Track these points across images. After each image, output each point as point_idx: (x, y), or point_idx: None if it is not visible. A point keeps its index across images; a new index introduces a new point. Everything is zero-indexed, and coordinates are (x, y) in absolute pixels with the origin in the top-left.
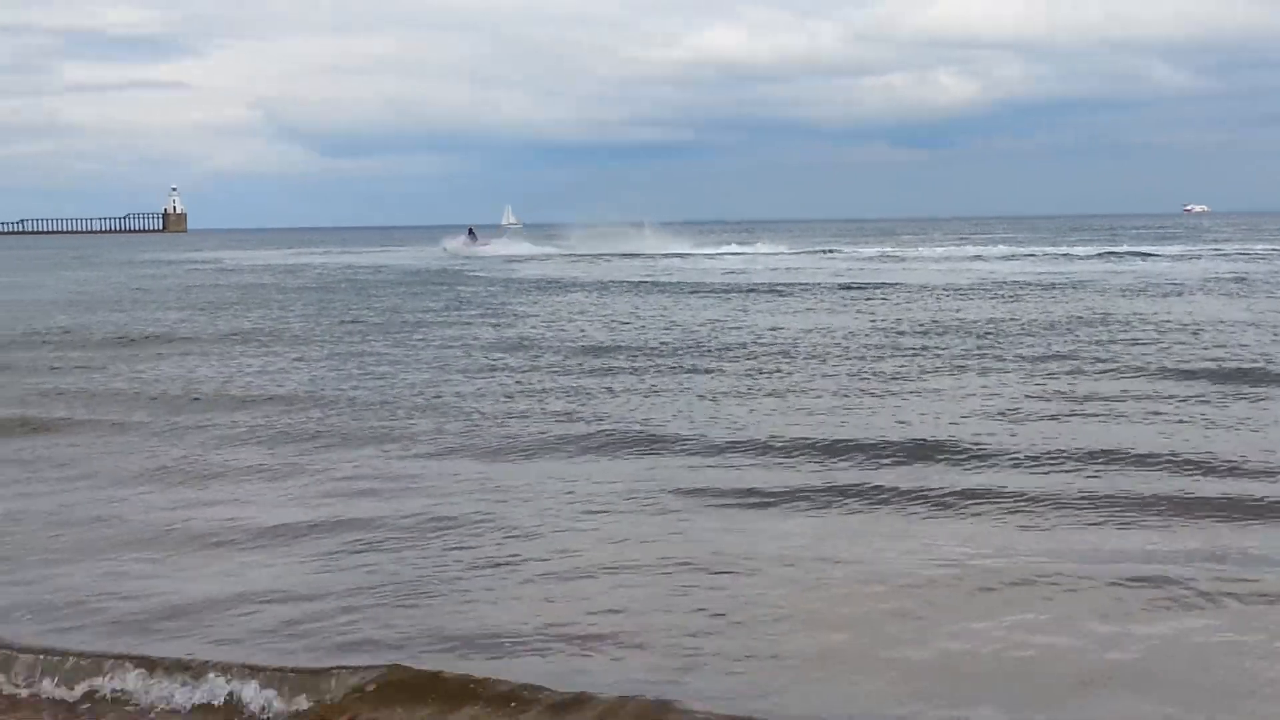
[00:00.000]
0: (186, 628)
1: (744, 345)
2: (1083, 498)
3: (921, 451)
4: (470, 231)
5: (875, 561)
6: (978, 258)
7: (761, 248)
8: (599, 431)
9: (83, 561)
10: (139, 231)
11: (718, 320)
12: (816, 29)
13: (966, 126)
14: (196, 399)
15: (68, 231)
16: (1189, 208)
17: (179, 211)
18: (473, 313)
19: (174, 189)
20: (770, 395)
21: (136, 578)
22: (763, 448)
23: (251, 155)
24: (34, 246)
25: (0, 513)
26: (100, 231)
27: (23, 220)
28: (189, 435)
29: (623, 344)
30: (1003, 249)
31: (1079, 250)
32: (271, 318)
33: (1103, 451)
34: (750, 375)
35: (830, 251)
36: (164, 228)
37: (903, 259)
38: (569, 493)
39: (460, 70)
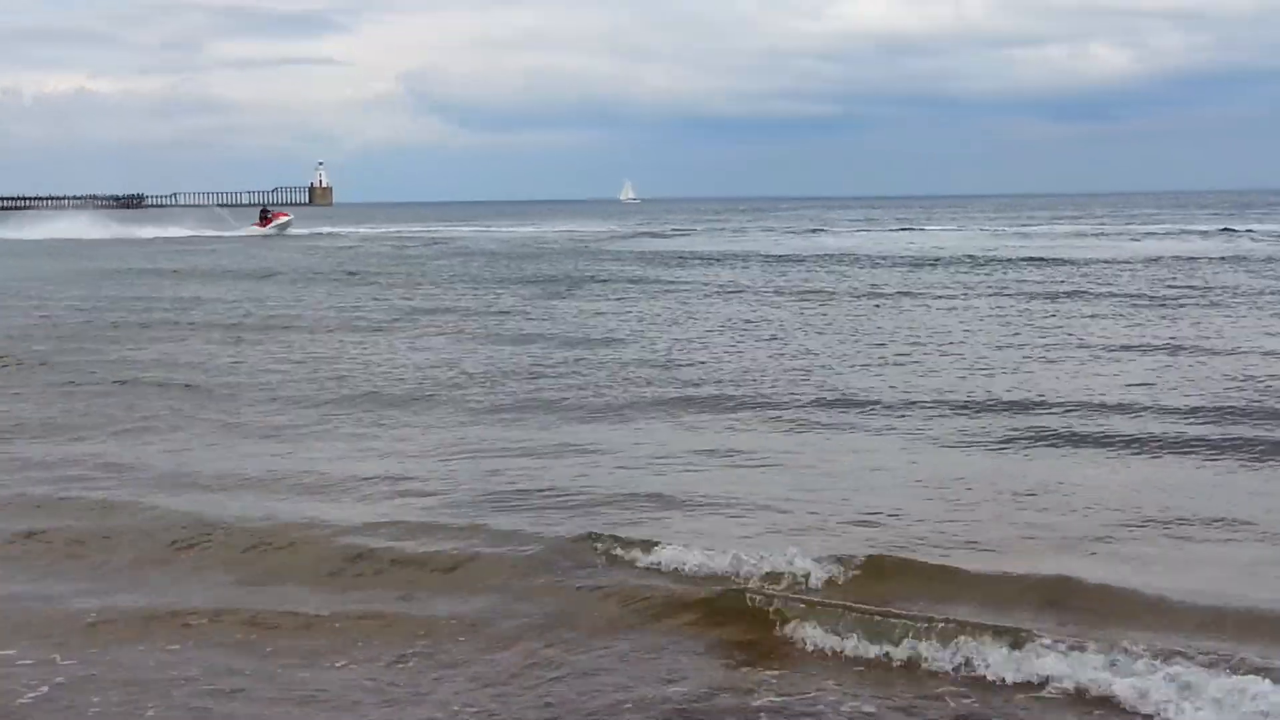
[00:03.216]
0: None
1: None
2: None
3: None
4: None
5: None
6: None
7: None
8: None
9: None
10: (287, 205)
11: None
12: None
13: (1124, 100)
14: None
15: (217, 205)
16: None
17: (325, 185)
18: None
19: (320, 163)
20: None
21: None
22: None
23: (396, 129)
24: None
25: None
26: (248, 205)
27: (175, 194)
28: None
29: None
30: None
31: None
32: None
33: None
34: None
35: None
36: (310, 201)
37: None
38: None
39: (603, 42)
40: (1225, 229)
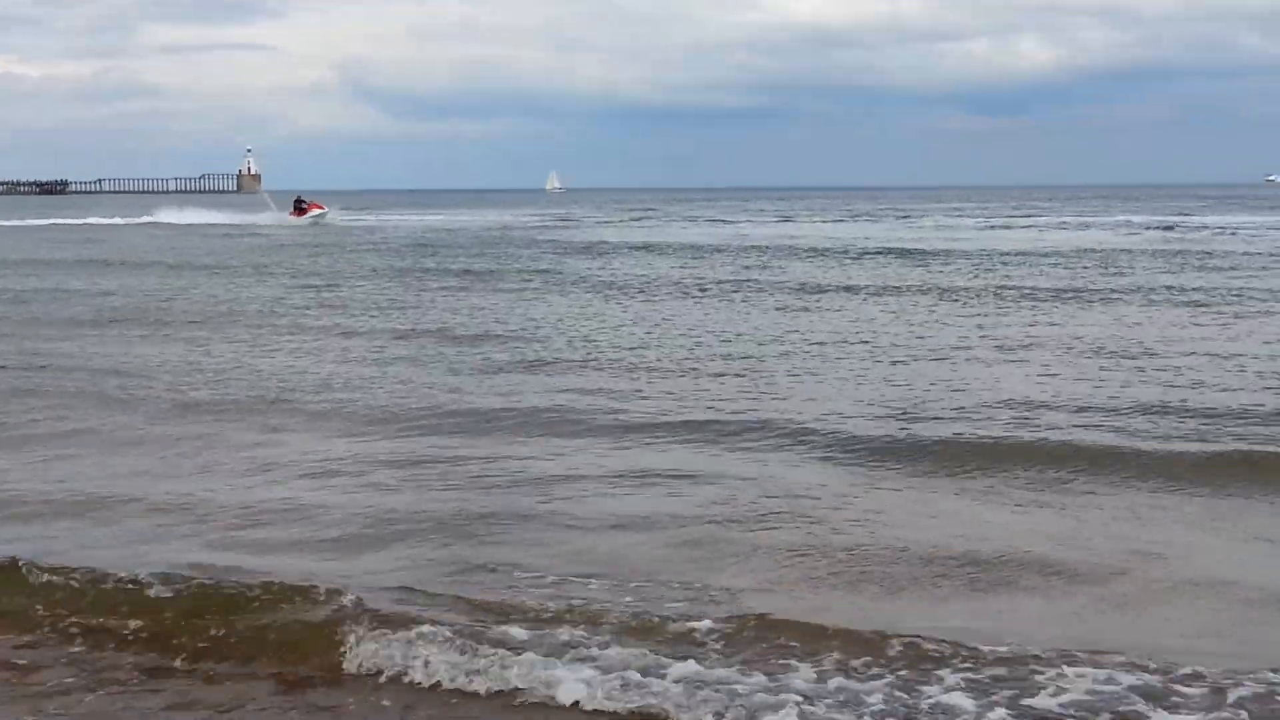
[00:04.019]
0: None
1: None
2: None
3: None
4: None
5: None
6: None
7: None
8: None
9: None
10: (213, 192)
11: None
12: None
13: (1047, 94)
14: None
15: (142, 191)
16: (1271, 178)
17: (253, 173)
18: None
19: (249, 150)
20: None
21: None
22: None
23: (327, 117)
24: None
25: None
26: (175, 192)
27: (100, 180)
28: None
29: None
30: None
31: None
32: None
33: None
34: None
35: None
36: (238, 189)
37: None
38: None
39: (536, 33)
40: (1163, 224)
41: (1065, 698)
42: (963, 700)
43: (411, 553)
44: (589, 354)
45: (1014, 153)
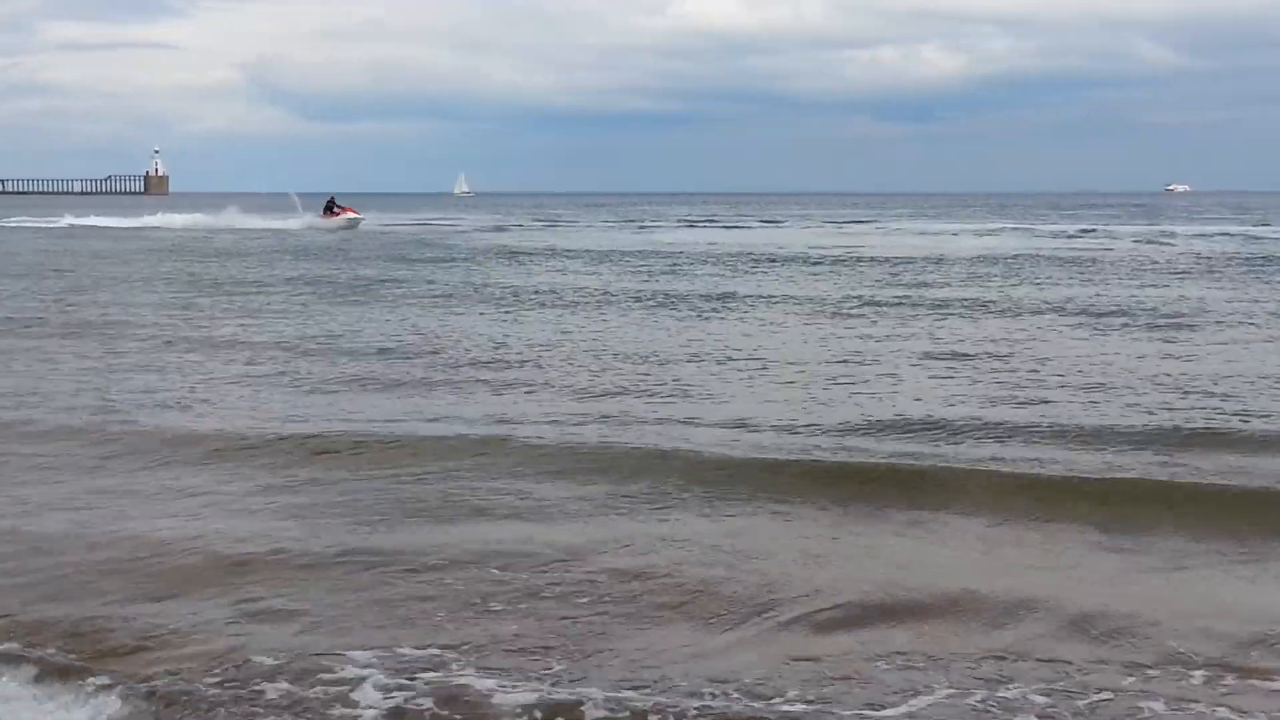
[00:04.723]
0: None
1: None
2: None
3: None
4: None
5: None
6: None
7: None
8: None
9: None
10: (120, 194)
11: None
12: None
13: (953, 102)
14: None
15: (46, 193)
16: (1171, 187)
17: (161, 174)
18: None
19: (156, 151)
20: None
21: None
22: None
23: (234, 118)
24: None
25: None
26: (81, 194)
27: (1, 180)
28: None
29: None
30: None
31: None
32: None
33: None
34: None
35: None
36: (145, 190)
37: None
38: None
39: (446, 35)
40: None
41: None
42: None
43: None
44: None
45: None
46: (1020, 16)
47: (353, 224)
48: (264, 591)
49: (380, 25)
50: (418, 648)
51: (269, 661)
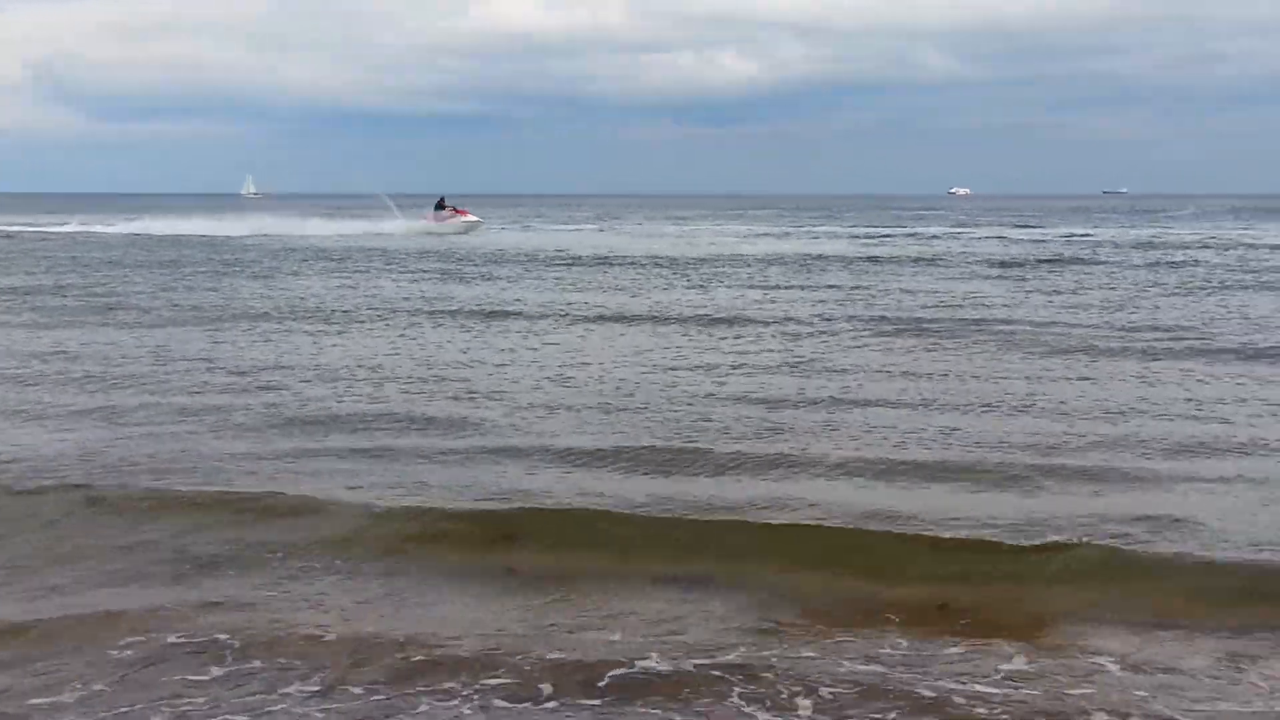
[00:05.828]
0: None
1: None
2: None
3: None
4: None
5: None
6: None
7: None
8: None
9: None
10: None
11: None
12: (605, 2)
13: (749, 106)
14: None
15: None
16: (953, 190)
17: None
18: None
19: None
20: None
21: None
22: None
23: (20, 118)
24: None
25: None
26: None
27: None
28: None
29: None
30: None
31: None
32: None
33: None
34: None
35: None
36: None
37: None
38: None
39: (242, 32)
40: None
41: None
42: None
43: None
44: None
45: (719, 162)
46: (814, 24)
47: (473, 228)
48: None
49: (173, 22)
50: None
51: None
